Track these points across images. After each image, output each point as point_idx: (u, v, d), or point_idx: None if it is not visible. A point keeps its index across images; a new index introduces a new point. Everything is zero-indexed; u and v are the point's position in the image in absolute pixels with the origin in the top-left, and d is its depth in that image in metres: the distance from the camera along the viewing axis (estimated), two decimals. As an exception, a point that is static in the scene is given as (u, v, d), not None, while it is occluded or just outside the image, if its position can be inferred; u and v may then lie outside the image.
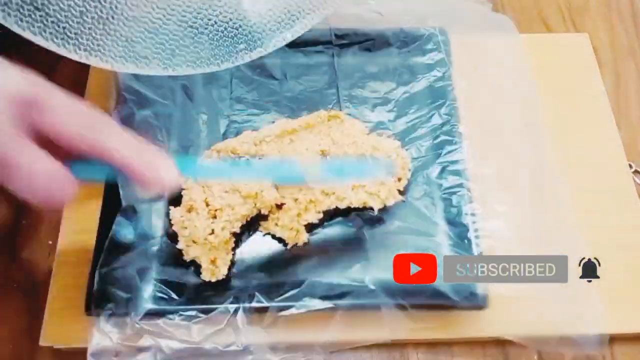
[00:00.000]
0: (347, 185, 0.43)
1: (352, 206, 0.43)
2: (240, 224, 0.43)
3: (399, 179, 0.45)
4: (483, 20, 0.52)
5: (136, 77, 0.45)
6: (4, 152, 0.26)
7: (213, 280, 0.40)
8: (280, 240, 0.43)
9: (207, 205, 0.42)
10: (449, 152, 0.46)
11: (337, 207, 0.43)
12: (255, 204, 0.43)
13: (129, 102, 0.44)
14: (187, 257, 0.41)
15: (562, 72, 0.52)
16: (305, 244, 0.43)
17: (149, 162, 0.29)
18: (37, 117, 0.27)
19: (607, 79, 0.54)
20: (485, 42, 0.51)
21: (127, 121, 0.43)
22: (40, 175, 0.27)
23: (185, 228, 0.41)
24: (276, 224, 0.43)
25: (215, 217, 0.42)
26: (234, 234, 0.42)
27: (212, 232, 0.41)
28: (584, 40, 0.55)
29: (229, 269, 0.41)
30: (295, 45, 0.50)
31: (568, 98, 0.51)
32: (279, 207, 0.44)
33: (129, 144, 0.29)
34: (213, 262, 0.41)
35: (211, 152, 0.46)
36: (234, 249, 0.42)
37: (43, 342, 0.40)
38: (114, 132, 0.29)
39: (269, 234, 0.44)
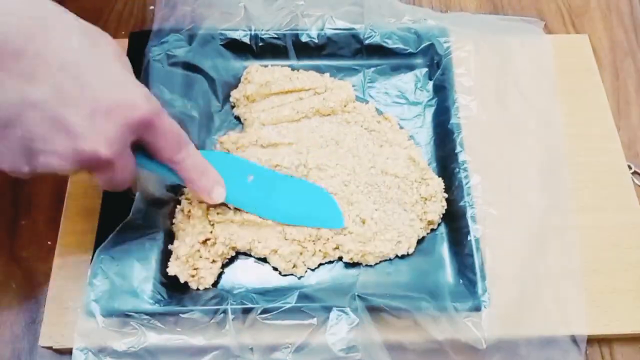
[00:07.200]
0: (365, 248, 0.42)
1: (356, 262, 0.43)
2: (234, 253, 0.43)
3: (430, 223, 0.44)
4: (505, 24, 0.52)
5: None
6: (116, 161, 0.33)
7: (201, 288, 0.41)
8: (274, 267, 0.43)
9: (207, 212, 0.42)
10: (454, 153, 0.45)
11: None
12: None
13: None
14: (169, 272, 0.40)
15: (561, 73, 0.52)
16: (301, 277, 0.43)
17: (206, 185, 0.39)
18: (147, 136, 0.34)
19: (607, 80, 0.54)
20: (504, 48, 0.51)
21: None
22: (126, 177, 0.35)
23: (176, 239, 0.41)
24: (275, 251, 0.42)
25: (212, 224, 0.42)
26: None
27: (200, 250, 0.41)
28: (583, 42, 0.55)
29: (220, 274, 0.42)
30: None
31: (568, 99, 0.51)
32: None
33: (198, 165, 0.38)
34: (193, 276, 0.41)
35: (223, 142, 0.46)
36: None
37: (43, 342, 0.40)
38: (191, 154, 0.37)
39: (263, 259, 0.43)
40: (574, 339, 0.40)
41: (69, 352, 0.40)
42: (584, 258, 0.43)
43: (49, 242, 0.44)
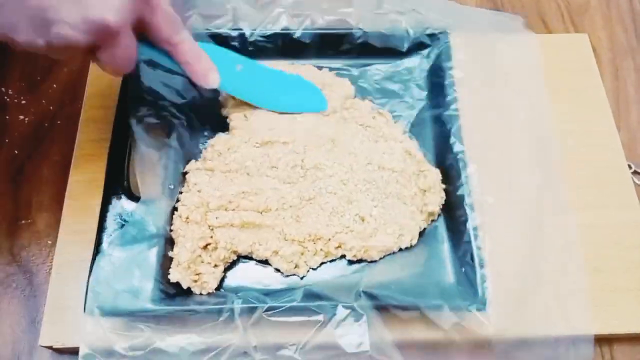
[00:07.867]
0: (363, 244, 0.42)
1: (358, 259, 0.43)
2: (236, 256, 0.42)
3: (430, 214, 0.44)
4: (491, 20, 0.52)
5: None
6: (121, 33, 0.35)
7: (204, 293, 0.40)
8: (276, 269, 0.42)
9: (206, 217, 0.42)
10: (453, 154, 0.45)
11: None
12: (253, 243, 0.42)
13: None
14: (171, 279, 0.40)
15: (561, 72, 0.52)
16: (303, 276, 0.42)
17: (203, 68, 0.42)
18: (147, 13, 0.37)
19: (607, 79, 0.54)
20: (492, 42, 0.51)
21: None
22: (128, 58, 0.37)
23: (176, 245, 0.41)
24: (276, 252, 0.41)
25: (212, 229, 0.41)
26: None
27: (201, 255, 0.41)
28: (583, 41, 0.55)
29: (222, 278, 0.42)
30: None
31: (567, 98, 0.51)
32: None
33: (194, 50, 0.41)
34: (196, 281, 0.40)
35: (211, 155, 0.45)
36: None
37: (43, 342, 0.40)
38: (187, 38, 0.40)
39: (265, 261, 0.42)
40: (579, 336, 0.40)
41: (69, 351, 0.40)
42: (585, 256, 0.43)
43: (49, 242, 0.44)
